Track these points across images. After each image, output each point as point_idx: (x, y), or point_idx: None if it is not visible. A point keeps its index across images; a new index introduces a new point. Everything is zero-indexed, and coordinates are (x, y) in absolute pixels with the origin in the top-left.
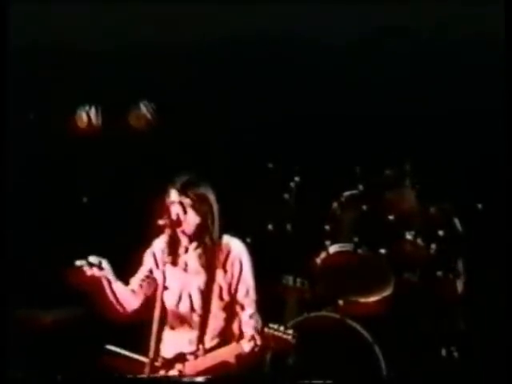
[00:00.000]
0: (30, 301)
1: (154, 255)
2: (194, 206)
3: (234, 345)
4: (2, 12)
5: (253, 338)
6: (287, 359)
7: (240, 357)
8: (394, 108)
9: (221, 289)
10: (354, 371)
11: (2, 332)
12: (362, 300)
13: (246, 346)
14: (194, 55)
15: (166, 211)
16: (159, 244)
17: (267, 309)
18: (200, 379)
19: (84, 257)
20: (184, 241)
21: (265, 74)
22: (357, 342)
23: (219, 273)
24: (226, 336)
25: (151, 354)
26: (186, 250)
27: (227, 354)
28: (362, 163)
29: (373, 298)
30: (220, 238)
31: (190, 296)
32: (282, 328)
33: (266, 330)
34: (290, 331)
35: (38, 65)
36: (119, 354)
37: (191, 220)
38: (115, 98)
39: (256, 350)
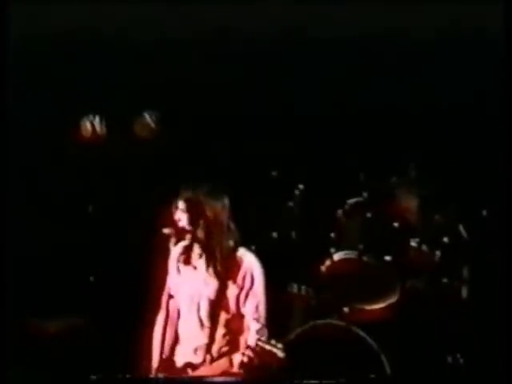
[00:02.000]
0: (33, 310)
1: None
2: (194, 217)
3: (226, 359)
4: (2, 8)
5: (244, 351)
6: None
7: (233, 369)
8: (399, 115)
9: (230, 300)
10: (360, 379)
11: (5, 341)
12: (368, 307)
13: (238, 359)
14: (198, 64)
15: (172, 219)
16: (175, 251)
17: (272, 316)
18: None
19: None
20: (196, 248)
21: (268, 82)
22: (362, 350)
23: (229, 284)
24: (232, 348)
25: (158, 360)
26: (194, 259)
27: (220, 367)
28: (367, 170)
29: (378, 306)
30: (234, 250)
31: (199, 305)
32: (272, 341)
33: (256, 343)
34: (280, 345)
35: (40, 74)
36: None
37: (194, 229)
38: (119, 107)
39: (246, 363)
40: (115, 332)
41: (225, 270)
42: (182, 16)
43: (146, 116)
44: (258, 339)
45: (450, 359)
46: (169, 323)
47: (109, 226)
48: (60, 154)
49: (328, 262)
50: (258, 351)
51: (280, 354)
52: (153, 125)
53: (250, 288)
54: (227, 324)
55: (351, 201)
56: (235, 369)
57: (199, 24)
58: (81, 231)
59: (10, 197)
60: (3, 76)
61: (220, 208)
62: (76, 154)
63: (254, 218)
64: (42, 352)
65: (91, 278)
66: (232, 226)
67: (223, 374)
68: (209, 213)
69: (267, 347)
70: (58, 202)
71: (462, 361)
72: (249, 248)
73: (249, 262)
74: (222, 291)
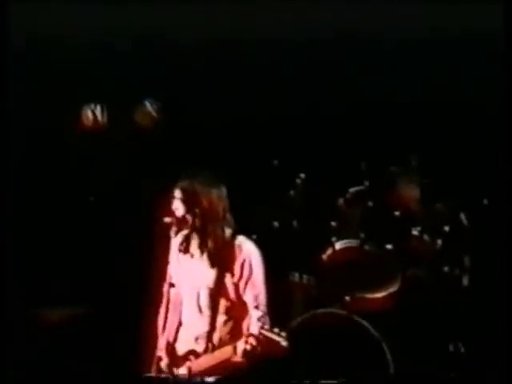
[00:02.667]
0: (35, 299)
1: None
2: (190, 206)
3: (229, 347)
4: (2, 8)
5: (247, 339)
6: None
7: (236, 358)
8: (400, 104)
9: (229, 288)
10: (361, 367)
11: (7, 330)
12: (369, 296)
13: (241, 347)
14: (199, 53)
15: (170, 209)
16: (175, 240)
17: (274, 305)
18: (208, 379)
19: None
20: (195, 237)
21: (268, 71)
22: (364, 338)
23: (227, 273)
24: (234, 336)
25: (163, 351)
26: (196, 247)
27: (223, 355)
28: (368, 159)
29: (379, 294)
30: (232, 238)
31: (199, 294)
32: (276, 330)
33: (259, 331)
34: (283, 333)
35: (42, 63)
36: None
37: (194, 217)
38: (120, 95)
39: (249, 351)
40: (117, 322)
41: (222, 258)
42: (182, 8)
43: (148, 104)
44: (261, 327)
45: (451, 347)
46: (171, 312)
47: (109, 216)
48: (61, 142)
49: (329, 251)
50: (261, 340)
51: (283, 342)
52: (154, 113)
53: (249, 276)
54: (227, 312)
55: (353, 189)
56: (238, 356)
57: (199, 15)
58: (81, 220)
59: (10, 186)
60: (4, 66)
61: (216, 197)
62: (77, 143)
63: (255, 207)
64: (43, 342)
65: (92, 268)
66: (228, 214)
67: (226, 361)
68: (204, 202)
69: (270, 336)
70: (58, 192)
71: (463, 349)
72: (250, 237)
73: (247, 249)
74: (220, 279)
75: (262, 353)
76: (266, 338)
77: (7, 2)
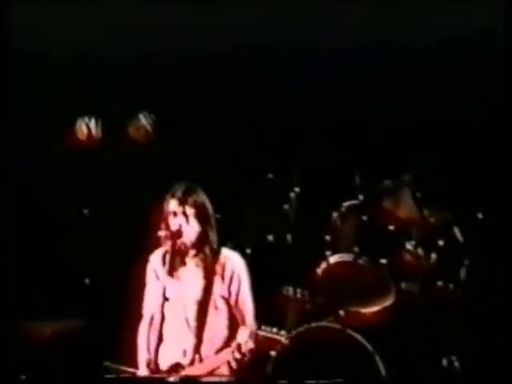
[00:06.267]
0: (30, 312)
1: (155, 271)
2: (195, 215)
3: (226, 351)
4: (1, 20)
5: (245, 341)
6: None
7: (234, 362)
8: (394, 117)
9: (217, 299)
10: (355, 381)
11: (2, 343)
12: (363, 310)
13: (228, 357)
14: (195, 66)
15: (165, 222)
16: (156, 257)
17: (267, 319)
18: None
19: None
20: (183, 251)
21: (264, 85)
22: (358, 353)
23: (216, 283)
24: (223, 345)
25: (151, 365)
26: (184, 261)
27: (220, 360)
28: (362, 173)
29: (374, 309)
30: (218, 249)
31: (186, 306)
32: (274, 330)
33: (258, 332)
34: (283, 332)
35: (37, 76)
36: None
37: (193, 229)
38: (115, 109)
39: (248, 353)
40: (106, 335)
41: (212, 269)
42: (180, 19)
43: (142, 118)
44: (261, 329)
45: (445, 362)
46: (161, 326)
47: (103, 229)
48: (56, 156)
49: (323, 265)
50: (261, 340)
51: (285, 340)
52: (148, 127)
53: (239, 288)
54: (215, 323)
55: (347, 204)
56: (225, 366)
57: (195, 26)
58: (75, 234)
59: (8, 199)
60: (2, 78)
61: (210, 206)
62: (71, 157)
63: (249, 221)
64: (35, 354)
65: (86, 281)
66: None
67: (212, 373)
68: (206, 212)
69: (271, 335)
70: (52, 205)
71: (457, 364)
72: (244, 251)
73: (234, 261)
74: (208, 292)
75: (263, 353)
76: (266, 338)
77: (7, 2)
